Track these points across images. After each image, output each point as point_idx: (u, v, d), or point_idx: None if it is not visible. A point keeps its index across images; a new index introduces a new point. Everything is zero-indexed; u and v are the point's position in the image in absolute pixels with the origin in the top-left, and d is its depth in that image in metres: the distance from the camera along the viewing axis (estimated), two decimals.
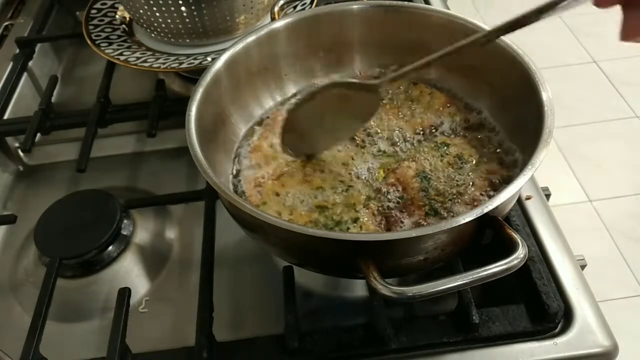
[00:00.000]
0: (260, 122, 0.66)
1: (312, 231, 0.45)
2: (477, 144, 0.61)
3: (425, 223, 0.53)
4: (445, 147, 0.60)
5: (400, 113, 0.65)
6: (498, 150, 0.60)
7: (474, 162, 0.59)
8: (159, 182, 0.76)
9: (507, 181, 0.56)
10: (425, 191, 0.56)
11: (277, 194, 0.57)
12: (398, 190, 0.57)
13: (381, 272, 0.43)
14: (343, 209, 0.55)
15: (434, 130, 0.64)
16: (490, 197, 0.55)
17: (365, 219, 0.54)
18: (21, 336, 0.54)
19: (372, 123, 0.64)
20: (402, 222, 0.54)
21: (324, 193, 0.57)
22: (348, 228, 0.53)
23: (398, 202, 0.56)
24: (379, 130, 0.64)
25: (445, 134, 0.63)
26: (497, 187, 0.56)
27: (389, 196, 0.57)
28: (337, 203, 0.56)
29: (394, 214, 0.55)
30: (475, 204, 0.55)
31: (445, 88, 0.67)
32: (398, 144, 0.63)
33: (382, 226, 0.55)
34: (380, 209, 0.56)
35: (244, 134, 0.65)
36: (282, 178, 0.59)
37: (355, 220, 0.54)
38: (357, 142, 0.63)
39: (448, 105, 0.65)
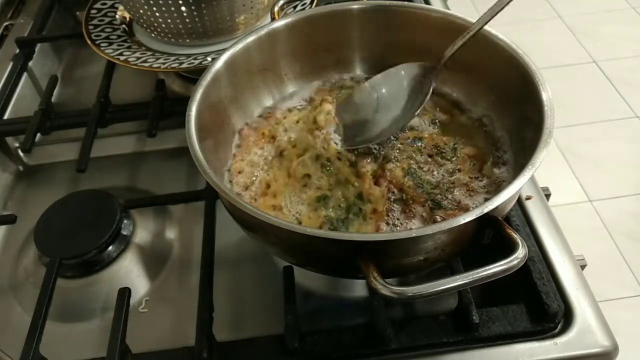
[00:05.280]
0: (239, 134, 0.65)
1: (312, 231, 0.45)
2: (446, 133, 0.63)
3: (435, 218, 0.54)
4: (419, 141, 0.61)
5: None
6: (471, 128, 0.63)
7: (450, 147, 0.60)
8: (159, 182, 0.76)
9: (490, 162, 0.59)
10: (421, 187, 0.57)
11: (275, 207, 0.57)
12: (394, 192, 0.56)
13: (381, 272, 0.43)
14: (343, 190, 0.56)
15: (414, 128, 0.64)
16: (476, 178, 0.57)
17: (371, 192, 0.55)
18: (21, 336, 0.54)
19: None
20: (411, 221, 0.54)
21: (311, 181, 0.57)
22: (360, 209, 0.54)
23: (399, 203, 0.56)
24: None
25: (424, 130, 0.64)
26: (481, 167, 0.58)
27: (388, 202, 0.56)
28: (332, 185, 0.56)
29: (397, 217, 0.55)
30: (468, 188, 0.56)
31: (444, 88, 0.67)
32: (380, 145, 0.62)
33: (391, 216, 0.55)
34: (385, 211, 0.55)
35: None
36: (271, 188, 0.58)
37: (359, 195, 0.55)
38: None
39: None
